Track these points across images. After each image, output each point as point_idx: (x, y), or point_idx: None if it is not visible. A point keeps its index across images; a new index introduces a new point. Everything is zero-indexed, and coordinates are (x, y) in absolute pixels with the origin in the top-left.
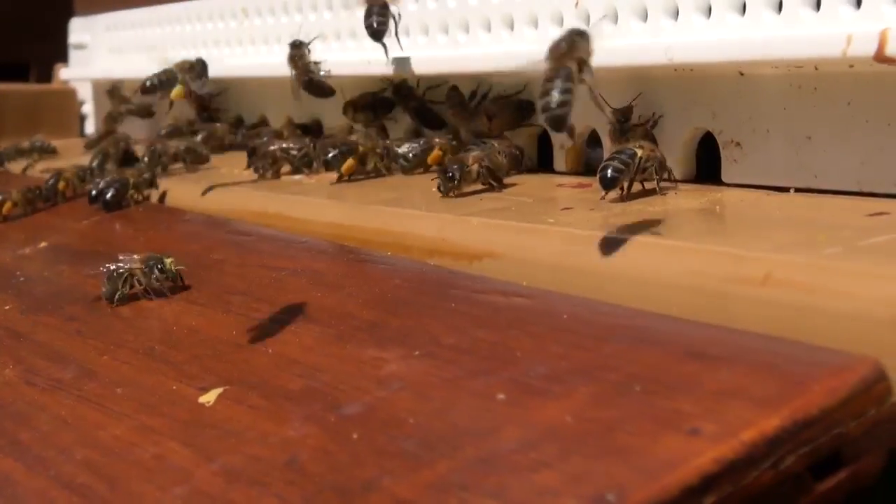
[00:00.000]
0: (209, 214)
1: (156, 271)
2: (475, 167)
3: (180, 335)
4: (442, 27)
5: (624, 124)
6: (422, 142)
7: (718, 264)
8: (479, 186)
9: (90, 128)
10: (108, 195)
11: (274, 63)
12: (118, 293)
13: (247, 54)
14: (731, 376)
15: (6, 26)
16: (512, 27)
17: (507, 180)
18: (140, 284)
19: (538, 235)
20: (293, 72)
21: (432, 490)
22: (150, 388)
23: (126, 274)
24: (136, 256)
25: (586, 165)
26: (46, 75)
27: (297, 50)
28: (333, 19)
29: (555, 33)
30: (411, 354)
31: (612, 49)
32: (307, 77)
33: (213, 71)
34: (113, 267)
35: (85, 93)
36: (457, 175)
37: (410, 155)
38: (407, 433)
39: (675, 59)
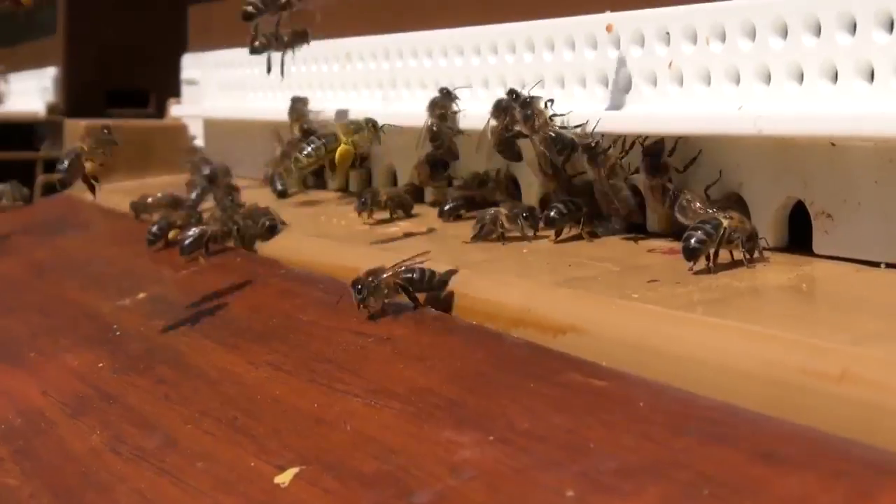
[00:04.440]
0: (305, 267)
1: None
2: None
3: (263, 405)
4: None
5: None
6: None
7: (795, 355)
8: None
9: None
10: (186, 242)
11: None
12: None
13: (349, 98)
14: (800, 483)
15: (129, 55)
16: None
17: (596, 242)
18: None
19: (621, 312)
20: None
21: None
22: (228, 464)
23: None
24: None
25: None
26: (165, 103)
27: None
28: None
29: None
30: (486, 439)
31: (702, 116)
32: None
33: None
34: None
35: (196, 128)
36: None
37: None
38: None
39: (763, 130)
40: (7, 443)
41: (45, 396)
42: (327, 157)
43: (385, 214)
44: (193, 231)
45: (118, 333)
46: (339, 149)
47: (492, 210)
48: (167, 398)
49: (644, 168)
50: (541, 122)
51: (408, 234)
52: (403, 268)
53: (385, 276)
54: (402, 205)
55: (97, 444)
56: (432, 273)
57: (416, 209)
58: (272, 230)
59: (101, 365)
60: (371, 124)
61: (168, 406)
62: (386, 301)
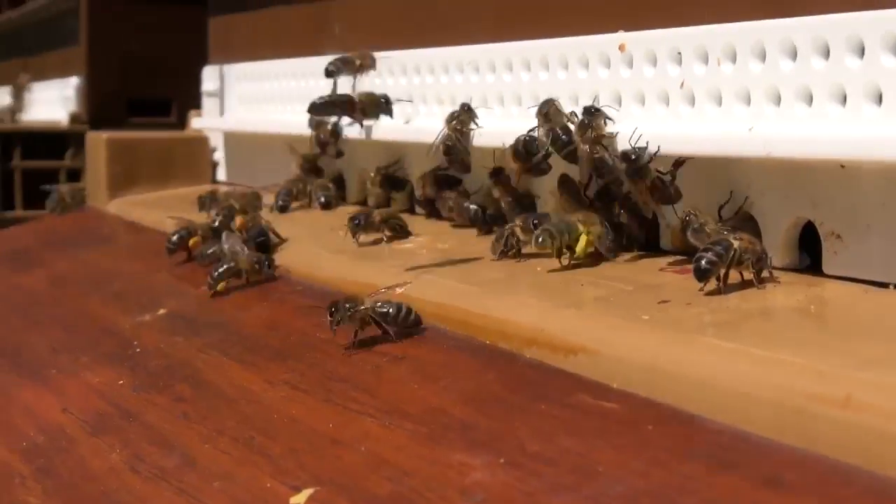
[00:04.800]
0: (324, 284)
1: None
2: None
3: (280, 425)
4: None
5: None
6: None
7: (801, 379)
8: None
9: (221, 175)
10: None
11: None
12: None
13: None
14: None
15: (151, 64)
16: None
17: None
18: None
19: (630, 334)
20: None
21: None
22: (245, 484)
23: None
24: None
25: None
26: (186, 112)
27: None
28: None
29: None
30: (497, 462)
31: (713, 137)
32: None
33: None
34: None
35: (217, 139)
36: None
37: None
38: None
39: (773, 153)
40: (29, 461)
41: (65, 414)
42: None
43: (378, 235)
44: (225, 266)
45: (138, 350)
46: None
47: (507, 226)
48: (186, 416)
49: (626, 173)
50: (595, 136)
51: (423, 249)
52: (379, 302)
53: (362, 307)
54: (395, 226)
55: (117, 462)
56: (409, 311)
57: (434, 223)
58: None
59: (121, 382)
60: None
61: (186, 425)
62: (358, 331)
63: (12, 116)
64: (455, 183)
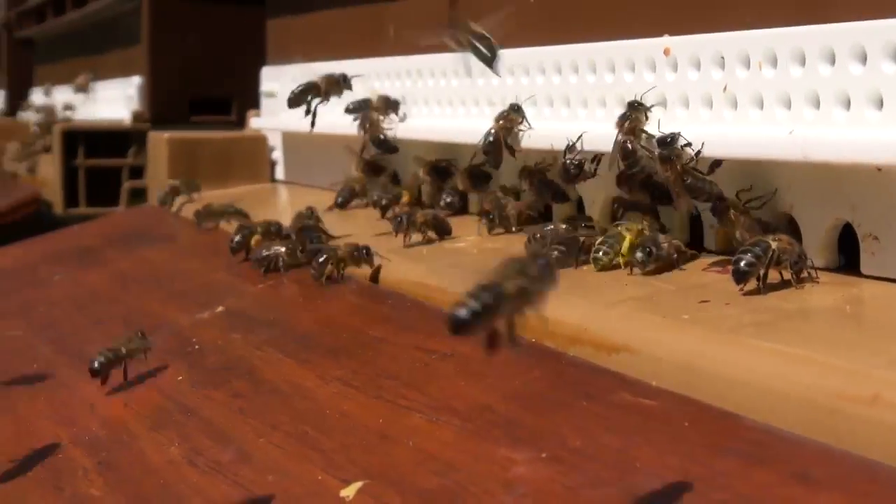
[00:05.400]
0: (377, 284)
1: None
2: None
3: (332, 420)
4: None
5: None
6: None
7: (830, 378)
8: None
9: (280, 174)
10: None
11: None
12: None
13: (421, 115)
14: (829, 503)
15: (211, 63)
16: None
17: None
18: None
19: (670, 333)
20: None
21: None
22: (297, 477)
23: None
24: None
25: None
26: (246, 111)
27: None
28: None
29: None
30: (539, 457)
31: (751, 141)
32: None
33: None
34: None
35: (275, 139)
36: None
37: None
38: None
39: (810, 157)
40: (92, 454)
41: (127, 408)
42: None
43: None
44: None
45: (197, 347)
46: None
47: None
48: (242, 412)
49: (659, 158)
50: (630, 127)
51: (475, 248)
52: None
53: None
54: (437, 226)
55: (175, 456)
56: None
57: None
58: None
59: (180, 378)
60: None
61: (243, 420)
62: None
63: (60, 115)
64: (487, 178)
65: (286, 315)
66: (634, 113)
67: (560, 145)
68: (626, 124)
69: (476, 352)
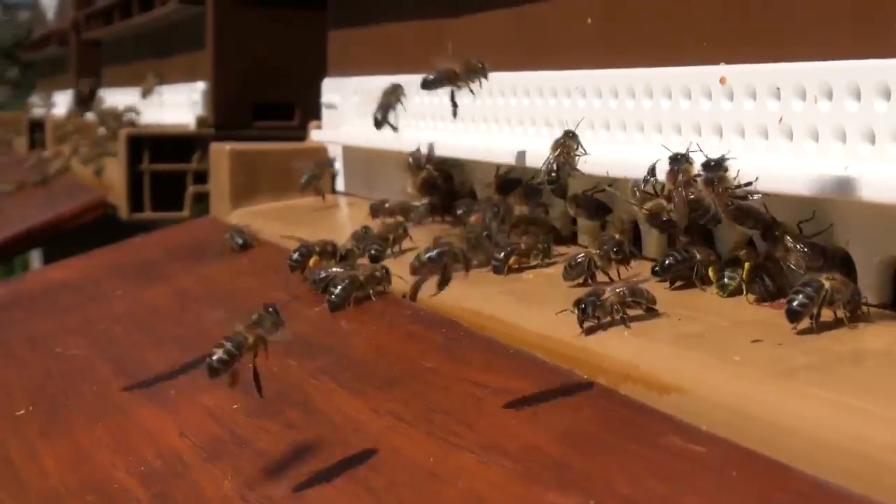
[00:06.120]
0: (433, 310)
1: None
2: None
3: (383, 456)
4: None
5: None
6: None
7: (876, 429)
8: None
9: (340, 186)
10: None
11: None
12: None
13: (467, 131)
14: None
15: (275, 69)
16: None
17: (708, 290)
18: None
19: (720, 374)
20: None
21: None
22: None
23: None
24: None
25: None
26: (309, 116)
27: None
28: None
29: None
30: (587, 503)
31: (806, 175)
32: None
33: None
34: None
35: (336, 150)
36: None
37: None
38: None
39: (865, 197)
40: (147, 486)
41: (182, 438)
42: None
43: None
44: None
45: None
46: None
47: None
48: (294, 444)
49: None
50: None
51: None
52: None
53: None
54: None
55: (229, 490)
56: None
57: None
58: None
59: (235, 406)
60: None
61: (295, 454)
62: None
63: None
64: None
65: (342, 340)
66: (681, 165)
67: (614, 172)
68: (680, 177)
69: (529, 388)
